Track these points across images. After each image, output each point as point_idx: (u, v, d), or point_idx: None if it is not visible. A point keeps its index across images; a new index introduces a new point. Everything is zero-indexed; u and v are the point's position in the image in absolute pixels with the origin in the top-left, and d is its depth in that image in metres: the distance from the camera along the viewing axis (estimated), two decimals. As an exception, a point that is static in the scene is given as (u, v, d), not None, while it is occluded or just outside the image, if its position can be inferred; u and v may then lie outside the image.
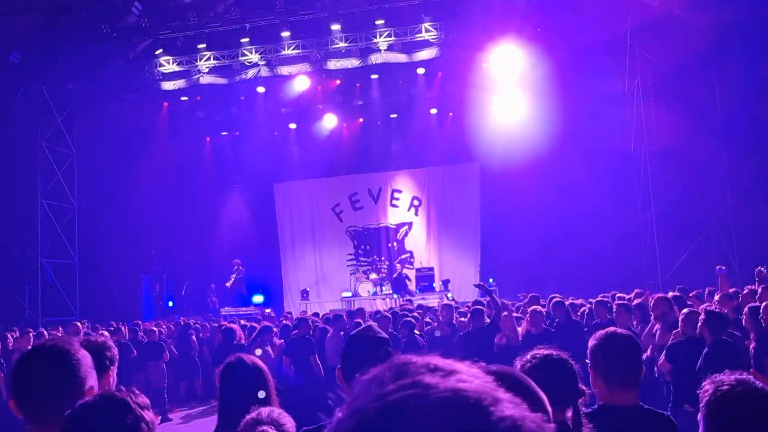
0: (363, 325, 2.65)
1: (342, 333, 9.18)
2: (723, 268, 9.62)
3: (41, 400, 1.92)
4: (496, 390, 0.71)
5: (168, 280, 21.92)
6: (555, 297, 9.68)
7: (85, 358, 2.06)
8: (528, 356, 2.56)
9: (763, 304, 6.53)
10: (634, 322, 7.99)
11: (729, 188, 16.08)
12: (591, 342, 3.07)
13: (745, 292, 8.86)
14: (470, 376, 0.72)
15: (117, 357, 3.15)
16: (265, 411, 2.46)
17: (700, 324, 5.66)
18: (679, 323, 6.03)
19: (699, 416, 2.27)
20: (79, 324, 13.10)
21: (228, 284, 20.91)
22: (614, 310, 7.95)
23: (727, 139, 16.15)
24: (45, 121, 18.84)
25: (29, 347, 10.29)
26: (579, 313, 9.72)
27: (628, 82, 18.02)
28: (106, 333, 11.44)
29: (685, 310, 6.15)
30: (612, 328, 3.18)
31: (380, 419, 0.68)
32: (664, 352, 6.10)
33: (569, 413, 2.37)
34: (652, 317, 7.28)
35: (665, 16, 16.74)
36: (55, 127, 19.11)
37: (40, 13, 16.75)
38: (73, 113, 19.85)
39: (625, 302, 8.58)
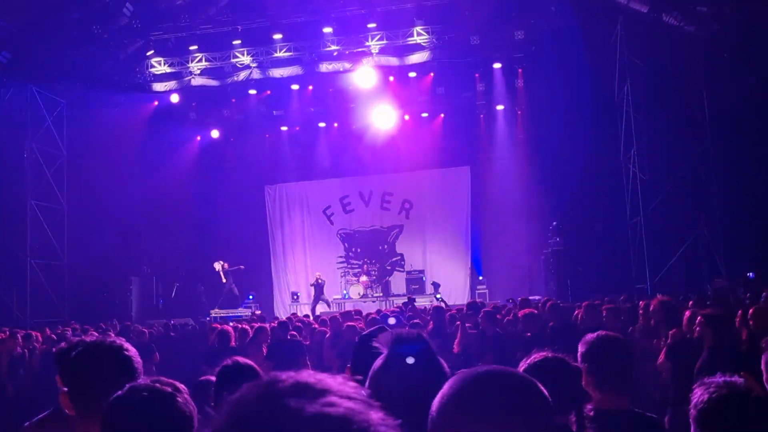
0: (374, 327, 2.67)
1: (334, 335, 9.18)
2: (718, 280, 9.79)
3: (101, 394, 1.98)
4: (365, 412, 0.68)
5: (158, 282, 21.82)
6: (549, 300, 9.77)
7: (137, 356, 2.24)
8: (530, 359, 2.55)
9: (750, 309, 6.56)
10: (630, 328, 8.02)
11: (716, 194, 16.23)
12: (581, 346, 3.07)
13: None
14: (340, 398, 0.69)
15: None
16: None
17: (701, 327, 5.66)
18: (684, 323, 6.05)
19: (690, 419, 2.29)
20: (61, 327, 13.00)
21: (229, 280, 21.00)
22: (604, 314, 8.00)
23: (715, 146, 16.31)
24: (34, 121, 18.75)
25: (18, 349, 10.15)
26: (573, 317, 9.78)
27: (617, 88, 18.15)
28: (95, 333, 11.37)
29: (687, 312, 6.17)
30: (602, 332, 3.17)
31: None
32: (664, 351, 6.08)
33: (572, 417, 2.34)
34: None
35: (655, 24, 16.90)
36: (44, 128, 19.02)
37: (30, 12, 16.67)
38: (63, 114, 19.75)
39: (615, 306, 8.65)
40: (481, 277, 20.51)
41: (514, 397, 1.25)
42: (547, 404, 1.35)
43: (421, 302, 16.84)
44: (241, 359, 3.27)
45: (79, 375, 2.20)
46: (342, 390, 0.70)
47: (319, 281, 20.33)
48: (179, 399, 1.89)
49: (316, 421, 0.64)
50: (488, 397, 1.22)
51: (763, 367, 3.20)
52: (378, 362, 1.95)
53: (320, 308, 19.34)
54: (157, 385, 1.91)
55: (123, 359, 2.22)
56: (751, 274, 12.19)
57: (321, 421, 0.64)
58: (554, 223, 19.21)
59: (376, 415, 0.68)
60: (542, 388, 1.36)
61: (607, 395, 2.90)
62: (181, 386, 1.96)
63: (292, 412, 0.65)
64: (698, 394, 2.28)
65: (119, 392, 1.88)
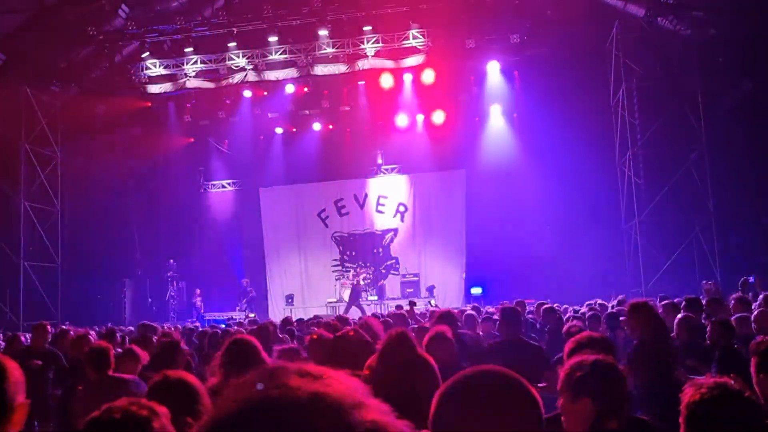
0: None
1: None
2: (710, 282, 9.79)
3: None
4: (362, 396, 0.72)
5: (152, 285, 21.73)
6: (544, 304, 9.76)
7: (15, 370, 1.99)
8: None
9: (755, 312, 6.65)
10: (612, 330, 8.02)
11: (712, 198, 16.25)
12: (567, 346, 3.11)
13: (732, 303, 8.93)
14: (337, 382, 0.73)
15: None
16: None
17: (709, 331, 5.80)
18: (674, 328, 6.10)
19: (680, 419, 2.27)
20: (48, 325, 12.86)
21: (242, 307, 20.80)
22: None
23: (710, 150, 16.33)
24: (29, 122, 18.64)
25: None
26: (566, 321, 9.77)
27: (612, 92, 18.18)
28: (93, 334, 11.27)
29: (679, 315, 6.23)
30: (587, 333, 3.21)
31: (237, 419, 0.69)
32: None
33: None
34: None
35: (650, 27, 16.93)
36: (39, 130, 18.93)
37: (25, 14, 16.63)
38: (57, 115, 19.67)
39: (597, 311, 8.74)
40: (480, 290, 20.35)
41: (502, 393, 1.36)
42: (535, 402, 1.36)
43: (415, 306, 16.71)
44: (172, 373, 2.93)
45: None
46: (340, 377, 0.75)
47: (358, 284, 19.84)
48: (155, 423, 1.83)
49: (312, 396, 0.69)
50: (478, 392, 1.34)
51: (752, 369, 3.20)
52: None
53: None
54: (133, 407, 1.84)
55: None
56: (751, 278, 12.14)
57: (317, 396, 0.70)
58: (548, 226, 19.22)
59: (371, 400, 0.73)
60: (531, 387, 1.38)
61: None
62: (162, 409, 1.89)
63: (291, 388, 0.70)
64: (689, 394, 2.26)
65: (95, 413, 1.83)
